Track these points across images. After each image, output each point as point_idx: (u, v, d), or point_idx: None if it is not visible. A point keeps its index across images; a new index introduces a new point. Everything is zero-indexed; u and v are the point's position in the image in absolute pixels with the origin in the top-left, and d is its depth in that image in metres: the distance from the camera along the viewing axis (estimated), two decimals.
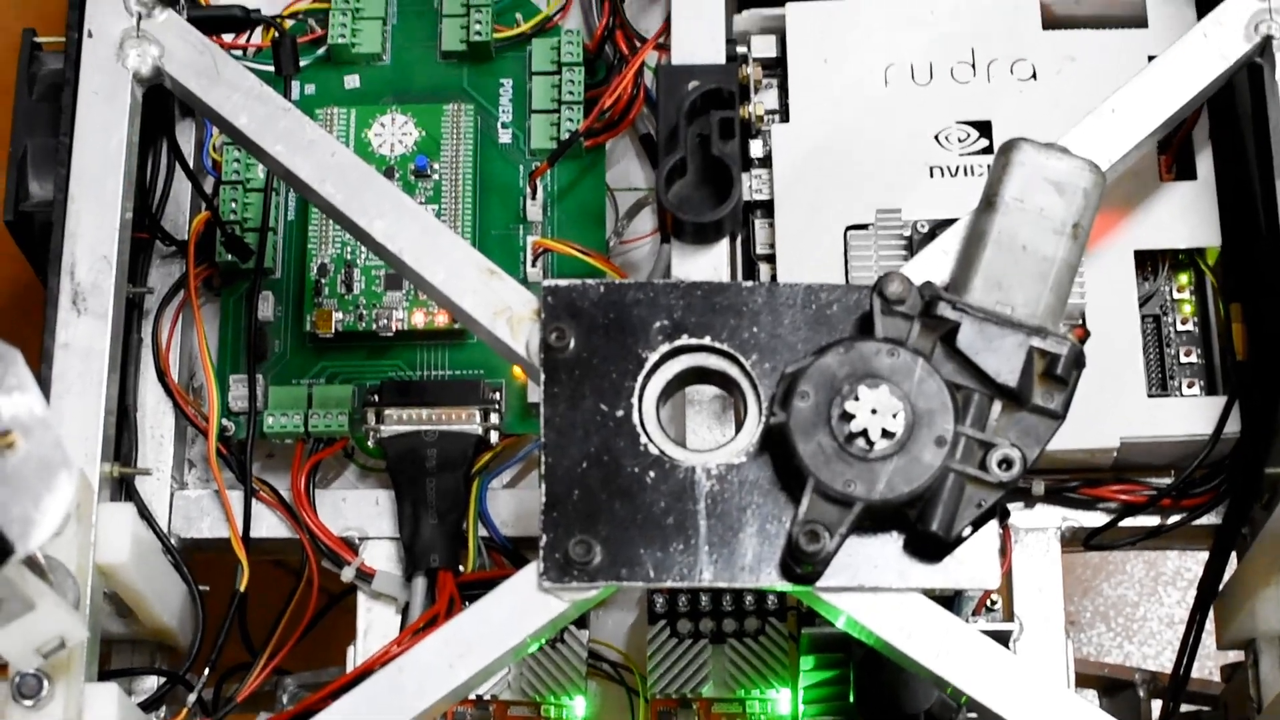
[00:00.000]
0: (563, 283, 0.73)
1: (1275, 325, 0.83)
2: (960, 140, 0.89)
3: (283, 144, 0.82)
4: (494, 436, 0.91)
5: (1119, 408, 0.85)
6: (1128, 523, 0.88)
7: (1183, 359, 0.88)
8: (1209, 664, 1.23)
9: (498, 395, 0.91)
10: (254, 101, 0.83)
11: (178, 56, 0.85)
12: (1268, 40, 0.82)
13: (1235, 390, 0.85)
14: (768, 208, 0.89)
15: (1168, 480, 0.88)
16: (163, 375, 0.93)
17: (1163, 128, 0.81)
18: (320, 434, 0.92)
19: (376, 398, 0.91)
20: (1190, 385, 0.88)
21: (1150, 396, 0.86)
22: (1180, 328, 0.89)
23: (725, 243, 0.82)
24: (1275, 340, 0.83)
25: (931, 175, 0.89)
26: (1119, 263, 0.87)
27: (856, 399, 0.68)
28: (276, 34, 0.94)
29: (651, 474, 0.70)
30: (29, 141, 0.89)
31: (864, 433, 0.68)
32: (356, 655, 0.90)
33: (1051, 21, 0.92)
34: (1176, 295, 0.89)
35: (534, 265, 0.93)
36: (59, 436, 0.57)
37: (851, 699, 0.82)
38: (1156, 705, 0.97)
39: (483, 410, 0.90)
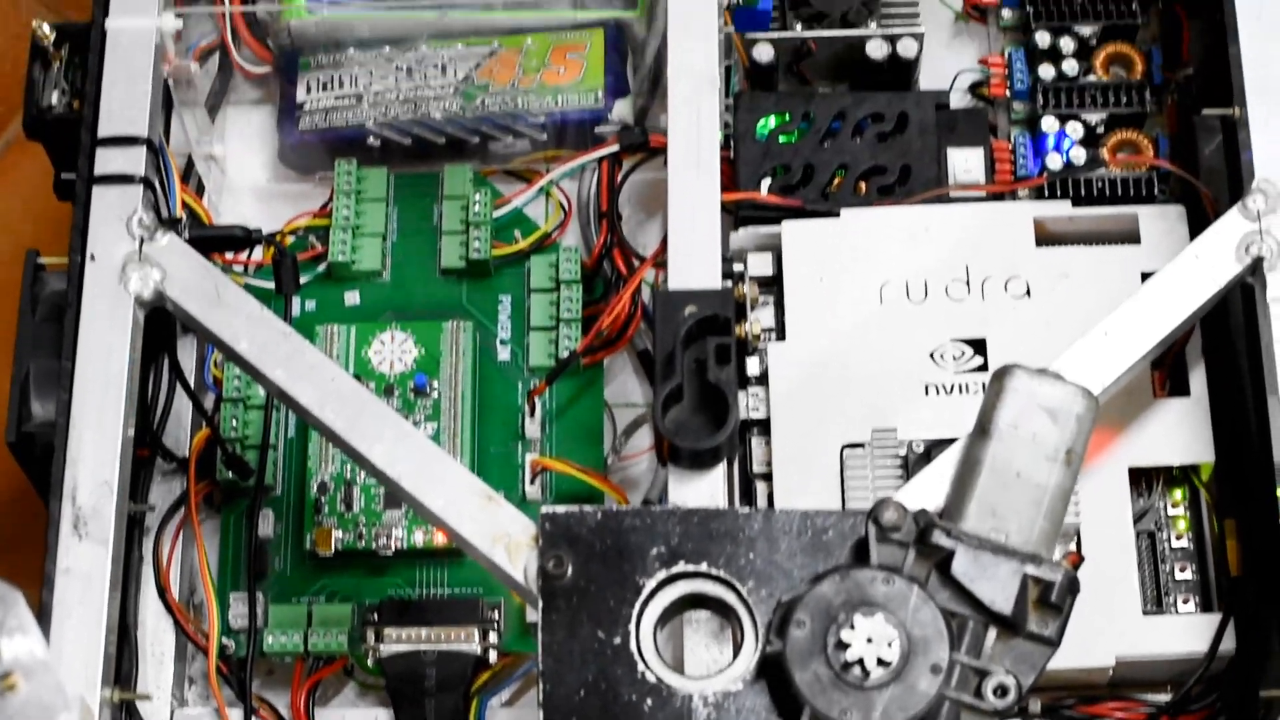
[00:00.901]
0: (560, 510, 0.75)
1: (1268, 542, 0.84)
2: (955, 358, 0.91)
3: (283, 369, 0.84)
4: (493, 656, 0.92)
5: (1114, 626, 0.86)
6: None
7: (1178, 575, 0.89)
8: None
9: (496, 614, 0.92)
10: (255, 326, 0.86)
11: (179, 280, 0.88)
12: (1258, 261, 0.85)
13: (1229, 608, 0.87)
14: (764, 426, 0.91)
15: (1165, 697, 0.89)
16: (163, 592, 0.94)
17: (1155, 349, 0.84)
18: (320, 653, 0.93)
19: (376, 617, 0.92)
20: (1186, 602, 0.89)
21: (1145, 614, 0.87)
22: (1175, 544, 0.90)
23: (722, 466, 0.84)
24: (1269, 557, 0.85)
25: (927, 393, 0.91)
26: (1113, 480, 0.89)
27: (852, 628, 0.69)
28: (277, 253, 0.96)
29: (649, 701, 0.72)
30: (32, 363, 0.91)
31: (860, 661, 0.69)
32: None
33: (1045, 238, 0.95)
34: (1171, 511, 0.90)
35: (532, 483, 0.95)
36: (60, 679, 0.58)
37: None
38: None
39: (481, 629, 0.92)
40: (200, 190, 1.05)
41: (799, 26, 1.03)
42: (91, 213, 0.90)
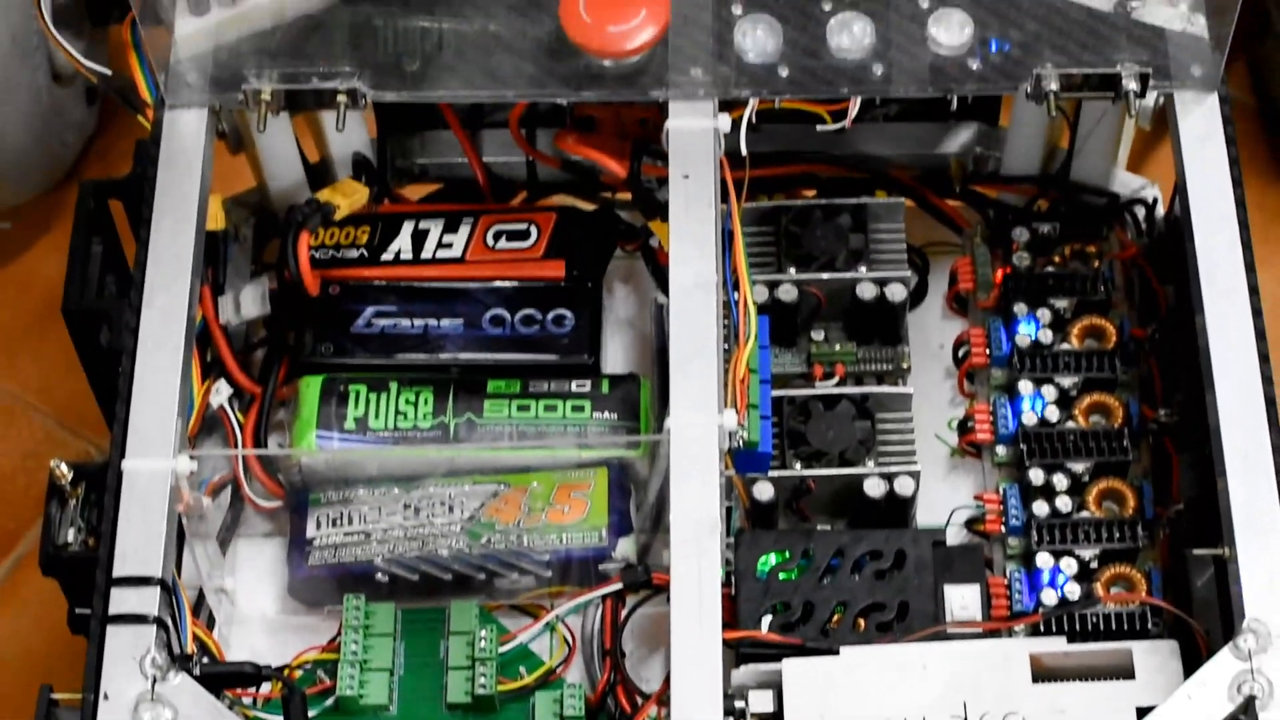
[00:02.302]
0: None
1: None
2: None
3: None
4: None
5: None
6: None
7: None
8: None
9: None
10: None
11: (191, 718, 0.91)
12: (1250, 700, 0.88)
13: None
14: None
15: None
16: None
17: None
18: None
19: None
20: None
21: None
22: None
23: None
24: None
25: None
26: None
27: None
28: (286, 689, 1.00)
29: None
30: None
31: None
32: None
33: (1041, 673, 0.97)
34: None
35: None
36: None
37: None
38: None
39: None
40: (211, 623, 1.08)
41: (798, 465, 1.09)
42: (105, 651, 0.93)
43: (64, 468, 1.01)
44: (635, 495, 1.11)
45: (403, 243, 1.19)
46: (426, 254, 1.18)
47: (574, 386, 1.13)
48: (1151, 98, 1.09)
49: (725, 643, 0.94)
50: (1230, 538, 0.94)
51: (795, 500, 1.09)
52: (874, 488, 1.07)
